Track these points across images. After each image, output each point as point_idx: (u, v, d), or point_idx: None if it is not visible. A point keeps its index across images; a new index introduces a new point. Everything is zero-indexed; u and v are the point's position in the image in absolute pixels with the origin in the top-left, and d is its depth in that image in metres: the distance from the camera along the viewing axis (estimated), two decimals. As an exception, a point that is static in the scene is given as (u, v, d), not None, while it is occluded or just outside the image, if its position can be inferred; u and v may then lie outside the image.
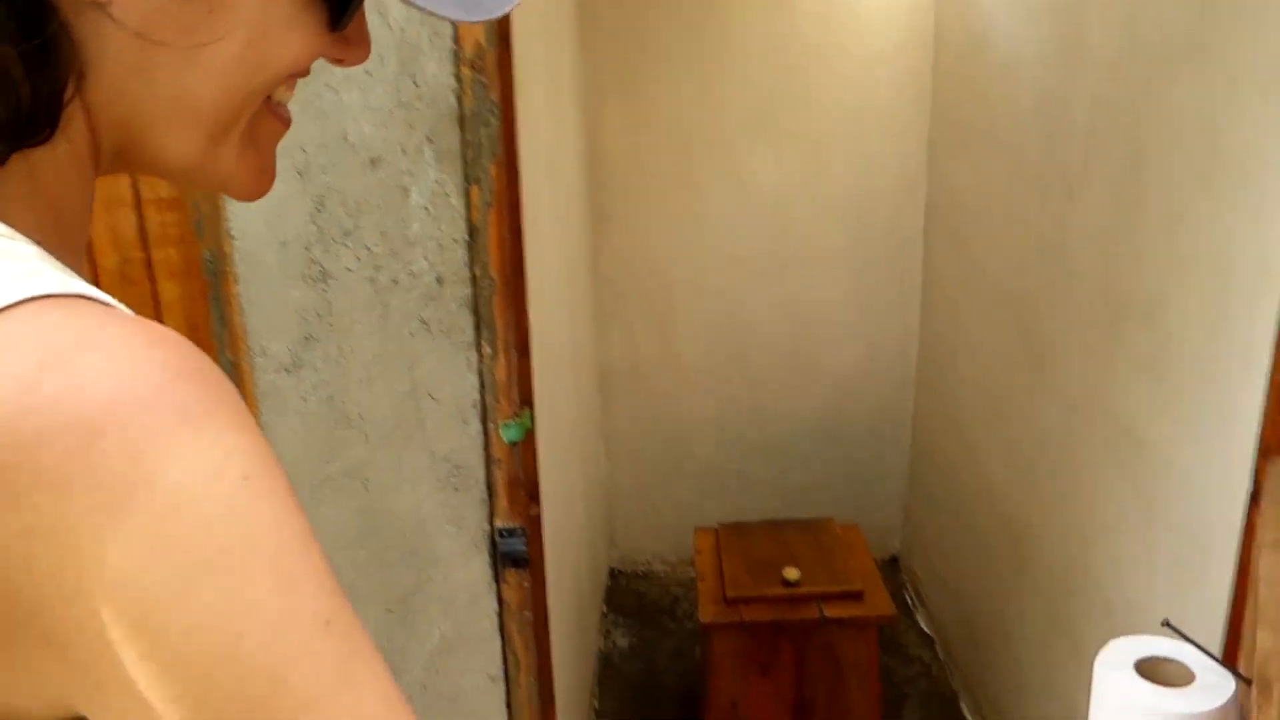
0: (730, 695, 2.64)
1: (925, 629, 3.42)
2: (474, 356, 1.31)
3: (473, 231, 1.24)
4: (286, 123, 0.53)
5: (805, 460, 3.75)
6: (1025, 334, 2.54)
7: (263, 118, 0.51)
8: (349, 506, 1.39)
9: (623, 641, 3.44)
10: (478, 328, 1.29)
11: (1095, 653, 2.14)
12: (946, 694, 3.09)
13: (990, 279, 2.81)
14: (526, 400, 1.37)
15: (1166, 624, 1.18)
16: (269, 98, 0.50)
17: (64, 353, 0.34)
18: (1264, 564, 1.09)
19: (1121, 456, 2.02)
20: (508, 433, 1.33)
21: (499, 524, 1.37)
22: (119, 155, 0.48)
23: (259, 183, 0.53)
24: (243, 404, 0.39)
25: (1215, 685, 1.02)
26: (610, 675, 3.24)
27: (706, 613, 2.58)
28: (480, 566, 1.41)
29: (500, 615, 1.42)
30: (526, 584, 1.40)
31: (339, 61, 0.52)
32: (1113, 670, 1.06)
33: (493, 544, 1.39)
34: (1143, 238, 1.92)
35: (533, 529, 1.41)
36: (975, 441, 2.96)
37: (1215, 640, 1.55)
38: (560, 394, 2.34)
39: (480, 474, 1.36)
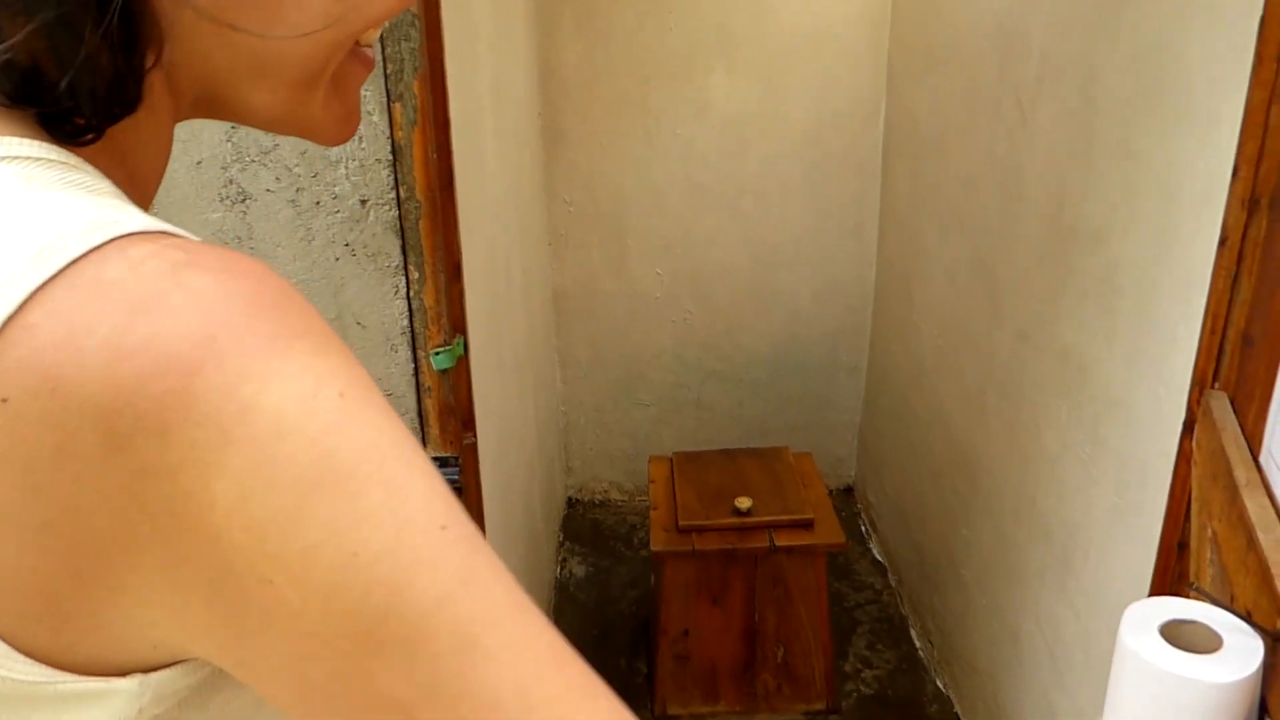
0: (682, 623, 2.67)
1: (878, 557, 3.47)
2: (401, 282, 1.27)
3: (397, 151, 1.20)
4: (371, 64, 0.51)
5: (762, 388, 3.76)
6: (978, 260, 2.53)
7: (347, 64, 0.49)
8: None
9: (579, 570, 3.46)
10: (404, 252, 1.25)
11: (1035, 576, 2.18)
12: (896, 620, 3.15)
13: (946, 204, 2.79)
14: (458, 327, 1.34)
15: (1194, 589, 1.15)
16: (355, 42, 0.49)
17: (153, 293, 0.34)
18: (1251, 509, 1.07)
19: (1066, 383, 2.03)
20: (438, 360, 1.30)
21: (431, 453, 1.35)
22: (198, 105, 0.47)
23: (343, 129, 0.52)
24: (326, 324, 0.39)
25: (1244, 647, 0.98)
26: (565, 604, 3.27)
27: (658, 541, 2.60)
28: (413, 496, 1.39)
29: (434, 544, 1.41)
30: (461, 513, 1.38)
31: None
32: (1138, 636, 0.99)
33: (425, 473, 1.36)
34: (1091, 162, 1.90)
35: (467, 458, 1.39)
36: (928, 369, 2.98)
37: (1148, 565, 1.58)
38: (507, 317, 2.31)
39: (411, 402, 1.34)
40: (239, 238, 1.25)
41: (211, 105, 0.47)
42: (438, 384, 1.32)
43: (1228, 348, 1.32)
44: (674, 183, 3.47)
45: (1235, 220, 1.29)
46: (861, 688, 2.87)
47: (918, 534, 3.08)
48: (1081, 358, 1.95)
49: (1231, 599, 1.11)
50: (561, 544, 3.61)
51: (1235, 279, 1.30)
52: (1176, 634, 1.00)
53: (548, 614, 2.94)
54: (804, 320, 3.66)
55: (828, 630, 2.69)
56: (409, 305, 1.28)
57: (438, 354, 1.30)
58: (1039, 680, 2.18)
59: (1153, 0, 1.67)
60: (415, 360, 1.31)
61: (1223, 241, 1.32)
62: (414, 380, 1.33)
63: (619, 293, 3.61)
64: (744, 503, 2.66)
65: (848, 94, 3.37)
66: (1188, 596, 1.07)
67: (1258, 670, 0.94)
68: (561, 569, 3.47)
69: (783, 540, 2.57)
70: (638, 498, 3.86)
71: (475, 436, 1.42)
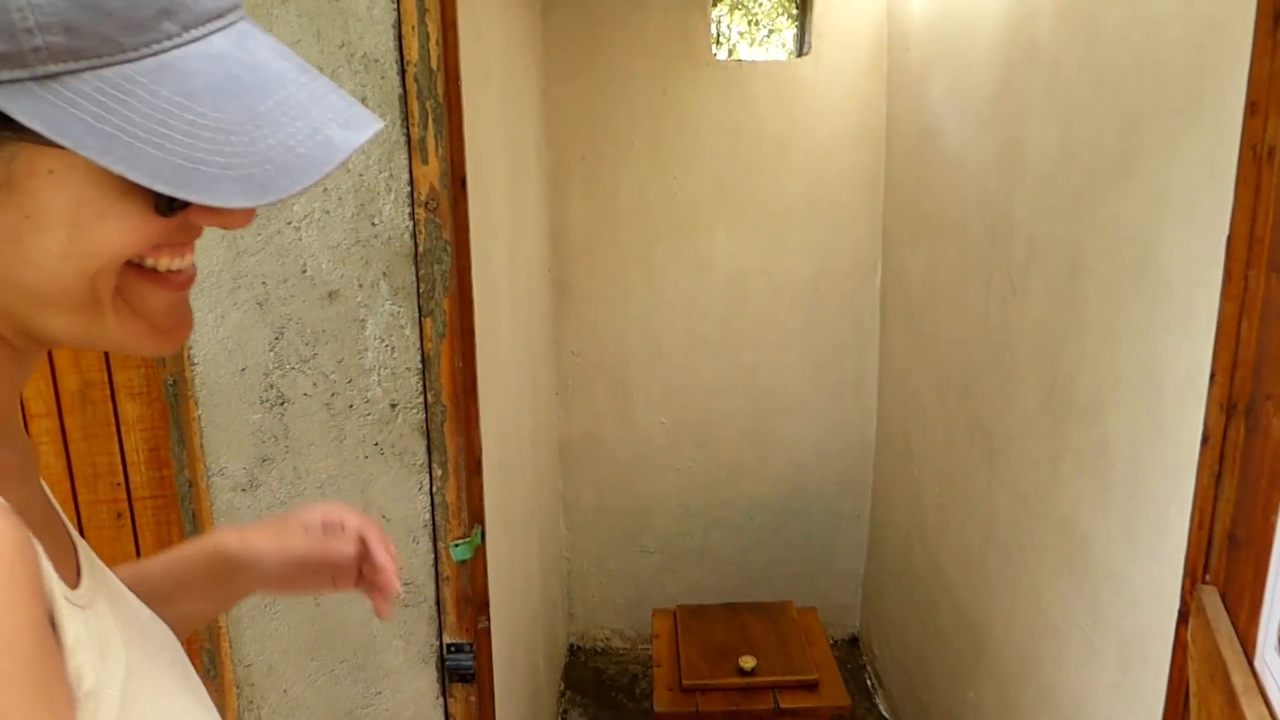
0: (685, 784, 2.63)
1: (884, 713, 3.43)
2: (425, 478, 1.34)
3: (425, 361, 1.28)
4: (177, 285, 0.56)
5: (765, 537, 3.78)
6: (976, 422, 2.60)
7: (139, 287, 0.54)
8: (301, 620, 1.40)
9: (580, 723, 3.42)
10: (429, 451, 1.32)
11: (1042, 749, 2.16)
12: (902, 778, 3.10)
13: (942, 365, 2.88)
14: (476, 518, 1.40)
15: None
16: (153, 267, 0.54)
17: None
18: (1250, 718, 1.11)
19: (1066, 553, 2.07)
20: (457, 552, 1.35)
21: (447, 639, 1.39)
22: (27, 338, 0.52)
23: (155, 344, 0.56)
24: (18, 577, 0.43)
25: None
26: (567, 758, 3.22)
27: (662, 701, 2.59)
28: (428, 681, 1.42)
29: (447, 731, 1.44)
30: (474, 698, 1.41)
31: (220, 225, 0.54)
32: None
33: (441, 659, 1.40)
34: (1081, 340, 1.99)
35: (480, 643, 1.43)
36: (930, 524, 3.01)
37: (1152, 748, 1.59)
38: (517, 480, 2.36)
39: (430, 591, 1.38)
40: (276, 437, 1.32)
41: (35, 336, 0.52)
42: (456, 574, 1.37)
43: (1215, 543, 1.38)
44: (677, 335, 3.58)
45: (1215, 422, 1.36)
46: None
47: (923, 692, 3.06)
48: (1081, 529, 2.00)
49: (1234, 805, 1.14)
50: (562, 694, 3.58)
51: (1219, 478, 1.36)
52: None
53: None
54: (805, 469, 3.71)
55: (834, 794, 2.65)
56: (431, 500, 1.35)
57: (457, 545, 1.35)
58: None
59: (1127, 197, 1.79)
60: (435, 551, 1.37)
61: (1205, 440, 1.39)
62: (434, 570, 1.38)
63: (623, 441, 3.68)
64: (748, 662, 2.66)
65: (845, 252, 3.50)
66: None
67: None
68: (563, 721, 3.43)
69: (787, 702, 2.56)
70: (640, 645, 3.83)
71: (489, 620, 1.46)
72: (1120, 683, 1.82)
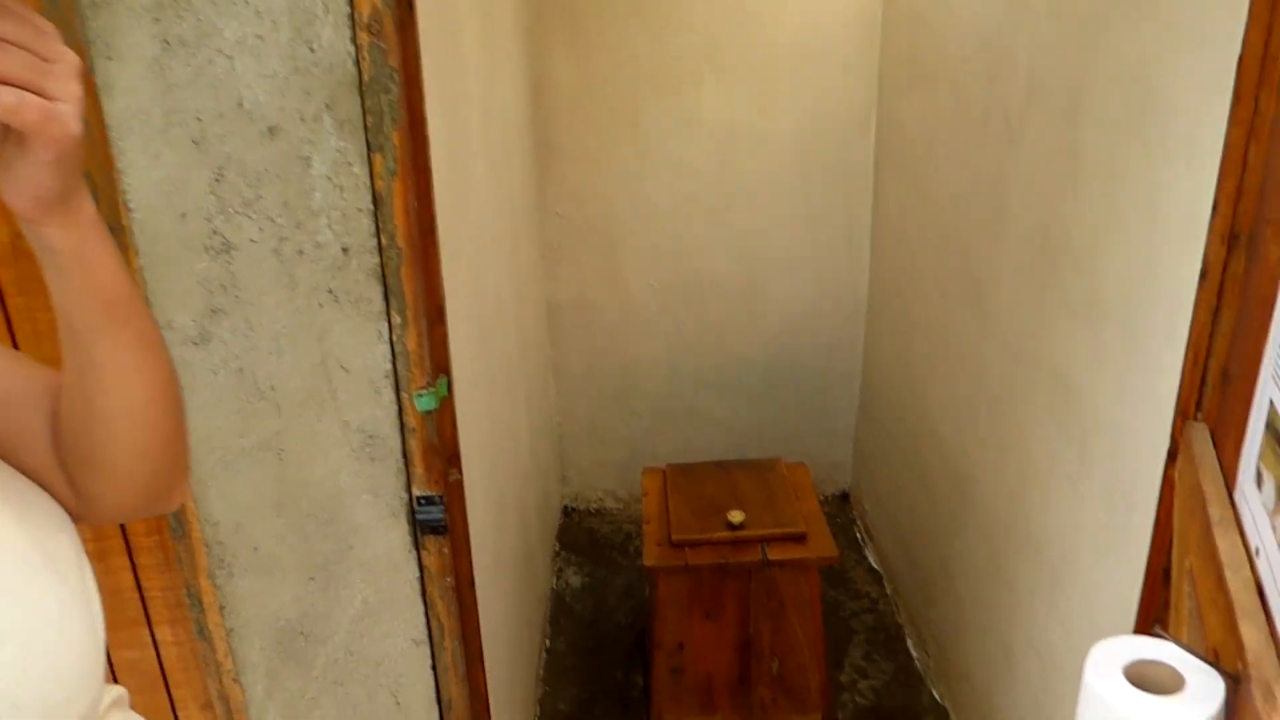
0: (676, 636, 2.68)
1: (874, 564, 3.48)
2: (384, 326, 1.28)
3: (377, 200, 1.20)
4: None
5: (756, 396, 3.76)
6: (969, 275, 2.54)
7: None
8: (265, 477, 1.37)
9: (575, 580, 3.47)
10: (386, 297, 1.26)
11: (1026, 593, 2.19)
12: (892, 629, 3.16)
13: (936, 218, 2.80)
14: (441, 368, 1.35)
15: (1157, 628, 1.16)
16: None
17: None
18: (1222, 548, 1.07)
19: (1055, 402, 2.03)
20: (421, 402, 1.30)
21: (416, 492, 1.36)
22: None
23: None
24: None
25: (1206, 687, 0.99)
26: (562, 614, 3.28)
27: (651, 556, 2.60)
28: (400, 534, 1.40)
29: (422, 581, 1.42)
30: (447, 550, 1.39)
31: None
32: (1101, 677, 1.01)
33: (411, 512, 1.38)
34: (1078, 183, 1.91)
35: (452, 495, 1.40)
36: (921, 379, 2.98)
37: (1135, 589, 1.59)
38: (496, 337, 2.31)
39: (396, 443, 1.34)
40: (224, 286, 1.26)
41: None
42: (421, 424, 1.33)
43: (1209, 380, 1.33)
44: (665, 194, 3.47)
45: (1215, 255, 1.30)
46: (857, 698, 2.88)
47: (912, 544, 3.09)
48: (1070, 377, 1.96)
49: (1204, 637, 1.12)
50: (557, 554, 3.62)
51: (1216, 313, 1.31)
52: (1142, 674, 1.00)
53: (544, 625, 2.94)
54: (797, 329, 3.66)
55: (822, 643, 2.70)
56: (392, 349, 1.29)
57: (421, 395, 1.30)
58: (1031, 695, 2.19)
59: (1135, 26, 1.67)
60: (399, 402, 1.32)
61: (1204, 275, 1.33)
62: (398, 422, 1.33)
63: (612, 304, 3.62)
64: (736, 516, 2.66)
65: (839, 104, 3.37)
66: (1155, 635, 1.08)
67: (1218, 713, 0.95)
68: (558, 579, 3.48)
69: (775, 554, 2.58)
70: (633, 506, 3.87)
71: (460, 473, 1.43)
72: (1107, 526, 1.81)
